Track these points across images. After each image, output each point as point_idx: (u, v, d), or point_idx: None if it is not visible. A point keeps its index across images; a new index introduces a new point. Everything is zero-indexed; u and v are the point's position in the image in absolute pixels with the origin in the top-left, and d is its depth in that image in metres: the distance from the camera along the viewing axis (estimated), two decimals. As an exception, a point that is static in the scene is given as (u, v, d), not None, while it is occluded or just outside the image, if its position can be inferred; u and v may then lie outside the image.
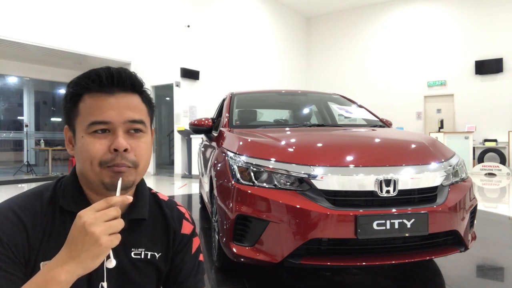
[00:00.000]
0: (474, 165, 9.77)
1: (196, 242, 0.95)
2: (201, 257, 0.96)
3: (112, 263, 0.68)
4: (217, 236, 2.47)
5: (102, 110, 0.75)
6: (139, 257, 0.84)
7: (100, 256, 0.63)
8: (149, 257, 0.85)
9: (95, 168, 0.75)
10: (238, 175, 2.21)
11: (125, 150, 0.75)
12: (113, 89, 0.77)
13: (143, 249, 0.85)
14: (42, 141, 9.70)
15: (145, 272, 0.85)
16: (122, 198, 0.67)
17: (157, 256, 0.87)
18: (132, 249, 0.83)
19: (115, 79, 0.77)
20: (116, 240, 0.64)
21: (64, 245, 0.64)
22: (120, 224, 0.65)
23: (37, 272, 0.65)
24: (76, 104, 0.77)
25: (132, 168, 0.77)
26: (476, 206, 2.37)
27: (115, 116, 0.75)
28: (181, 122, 9.51)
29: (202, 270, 0.94)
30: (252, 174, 2.17)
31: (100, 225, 0.62)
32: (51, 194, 0.80)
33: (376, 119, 3.50)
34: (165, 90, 10.35)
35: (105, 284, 0.76)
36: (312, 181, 2.05)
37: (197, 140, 7.57)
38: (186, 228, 0.93)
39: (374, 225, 1.94)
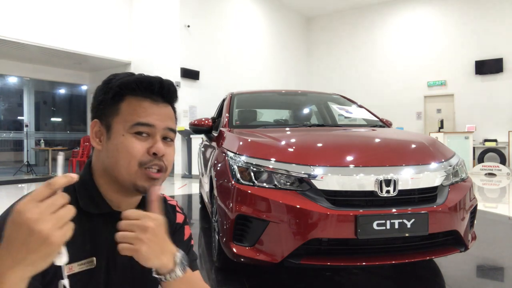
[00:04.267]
0: (474, 165, 9.77)
1: (188, 231, 1.00)
2: (192, 242, 1.01)
3: (63, 259, 0.57)
4: (217, 236, 2.47)
5: (147, 114, 0.79)
6: None
7: (52, 254, 0.53)
8: None
9: (133, 168, 0.77)
10: (238, 175, 2.21)
11: (162, 155, 0.80)
12: (159, 98, 0.83)
13: None
14: (42, 141, 9.70)
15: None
16: (66, 178, 0.55)
17: None
18: None
19: (165, 91, 0.83)
20: (69, 231, 0.54)
21: (2, 244, 0.53)
22: (70, 211, 0.55)
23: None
24: (117, 103, 0.80)
25: (163, 173, 0.82)
26: (476, 206, 2.37)
27: (158, 122, 0.80)
28: (181, 122, 9.52)
29: (193, 254, 0.98)
30: (252, 174, 2.17)
31: (48, 219, 0.52)
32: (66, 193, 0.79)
33: (376, 119, 3.50)
34: (165, 90, 10.33)
35: (65, 281, 0.67)
36: (312, 181, 2.05)
37: (197, 140, 7.57)
38: (179, 218, 0.99)
39: (374, 225, 1.94)
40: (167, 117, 0.83)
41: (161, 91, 0.82)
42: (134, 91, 0.81)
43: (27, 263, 0.52)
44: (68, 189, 0.79)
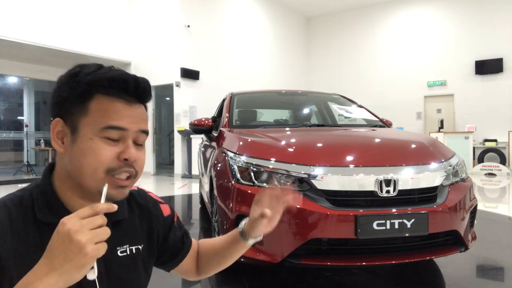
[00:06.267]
0: (474, 165, 9.77)
1: (175, 216, 1.02)
2: (178, 219, 1.04)
3: (94, 274, 0.63)
4: (217, 236, 2.47)
5: (120, 116, 0.73)
6: (125, 254, 0.84)
7: (85, 266, 0.58)
8: (134, 251, 0.86)
9: (100, 175, 0.71)
10: (238, 175, 2.21)
11: (134, 161, 0.75)
12: (133, 99, 0.76)
13: (128, 245, 0.85)
14: (42, 141, 9.71)
15: (133, 267, 0.86)
16: (107, 206, 0.62)
17: (140, 248, 0.88)
18: (117, 248, 0.83)
19: (140, 91, 0.76)
20: (103, 249, 0.59)
21: (43, 256, 0.59)
22: (106, 232, 0.60)
23: None
24: (86, 102, 0.72)
25: (132, 179, 0.77)
26: (476, 206, 2.37)
27: (131, 125, 0.74)
28: (181, 122, 9.51)
29: (185, 229, 1.05)
30: (252, 174, 2.17)
31: (86, 233, 0.57)
32: (20, 206, 0.72)
33: (376, 119, 3.50)
34: (165, 90, 10.36)
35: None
36: (312, 181, 2.05)
37: (197, 140, 7.57)
38: (166, 210, 0.98)
39: (374, 225, 1.94)
40: (140, 119, 0.77)
41: (137, 91, 0.75)
42: (105, 89, 0.72)
43: (61, 271, 0.57)
44: (24, 198, 0.73)
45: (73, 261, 0.57)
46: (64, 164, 0.74)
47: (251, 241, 0.94)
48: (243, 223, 0.95)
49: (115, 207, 0.63)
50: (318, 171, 2.07)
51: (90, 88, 0.72)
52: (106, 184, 0.69)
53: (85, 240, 0.57)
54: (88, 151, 0.71)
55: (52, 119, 0.75)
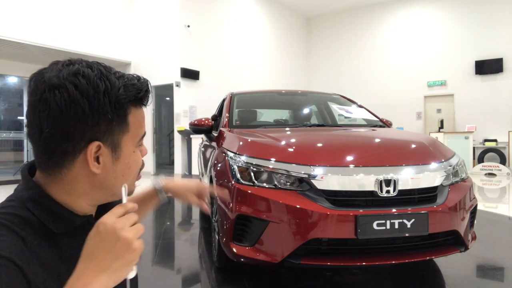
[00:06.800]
0: (474, 165, 9.77)
1: None
2: None
3: (133, 272, 0.61)
4: (217, 236, 2.47)
5: (144, 122, 0.77)
6: None
7: (132, 262, 0.59)
8: None
9: (135, 177, 0.77)
10: (238, 175, 2.21)
11: None
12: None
13: None
14: (42, 141, 9.69)
15: None
16: (133, 205, 0.64)
17: None
18: None
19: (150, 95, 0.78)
20: (142, 244, 0.60)
21: (81, 260, 0.57)
22: (142, 228, 0.61)
23: None
24: (126, 118, 0.69)
25: None
26: (476, 206, 2.37)
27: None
28: (181, 122, 9.51)
29: None
30: (252, 174, 2.17)
31: (129, 229, 0.58)
32: (18, 221, 0.62)
33: (376, 119, 3.50)
34: (165, 90, 10.36)
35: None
36: (312, 181, 2.05)
37: (197, 140, 7.57)
38: None
39: (374, 225, 1.94)
40: None
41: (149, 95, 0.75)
42: (135, 101, 0.71)
43: (110, 271, 0.57)
44: (18, 213, 0.63)
45: (122, 259, 0.57)
46: (96, 181, 0.68)
47: (164, 197, 1.06)
48: (161, 183, 1.06)
49: (136, 206, 0.65)
50: (318, 171, 2.06)
51: (129, 103, 0.70)
52: (125, 184, 0.69)
53: (132, 236, 0.58)
54: (133, 163, 0.74)
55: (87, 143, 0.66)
